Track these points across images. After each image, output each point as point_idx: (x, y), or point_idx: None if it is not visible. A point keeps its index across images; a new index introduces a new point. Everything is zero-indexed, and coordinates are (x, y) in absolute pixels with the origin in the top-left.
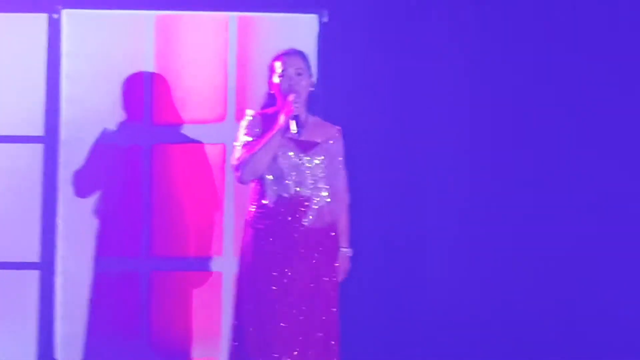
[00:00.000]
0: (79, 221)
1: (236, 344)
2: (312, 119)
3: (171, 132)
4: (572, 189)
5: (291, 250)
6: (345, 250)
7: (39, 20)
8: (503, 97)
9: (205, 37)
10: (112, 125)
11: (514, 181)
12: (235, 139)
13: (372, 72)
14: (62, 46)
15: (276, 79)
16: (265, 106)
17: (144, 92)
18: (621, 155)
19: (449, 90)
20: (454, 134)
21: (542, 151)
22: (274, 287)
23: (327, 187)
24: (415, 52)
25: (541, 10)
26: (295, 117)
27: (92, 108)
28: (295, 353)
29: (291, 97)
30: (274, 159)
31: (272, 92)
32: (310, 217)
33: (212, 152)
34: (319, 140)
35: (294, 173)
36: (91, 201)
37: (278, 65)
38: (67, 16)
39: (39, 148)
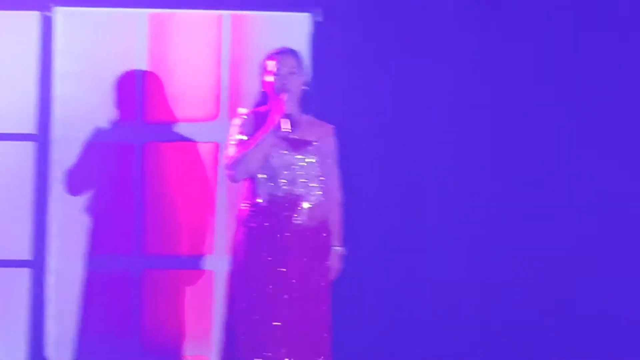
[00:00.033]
0: (70, 219)
1: (228, 342)
2: (305, 118)
3: (163, 130)
4: (572, 189)
5: (283, 249)
6: (338, 249)
7: (31, 18)
8: (501, 96)
9: (198, 35)
10: (104, 124)
11: (514, 181)
12: (227, 138)
13: (366, 71)
14: (54, 44)
15: (269, 78)
16: (258, 105)
17: (136, 90)
18: (621, 155)
19: (444, 88)
20: (450, 133)
21: (542, 151)
22: (266, 286)
23: (320, 185)
24: (410, 51)
25: (540, 10)
26: (288, 116)
27: (85, 106)
28: (287, 352)
29: (284, 96)
30: (267, 157)
31: (265, 91)
32: (303, 215)
33: (204, 150)
34: (311, 139)
35: (286, 172)
36: (83, 199)
37: (271, 64)
38: (60, 14)
39: (30, 146)
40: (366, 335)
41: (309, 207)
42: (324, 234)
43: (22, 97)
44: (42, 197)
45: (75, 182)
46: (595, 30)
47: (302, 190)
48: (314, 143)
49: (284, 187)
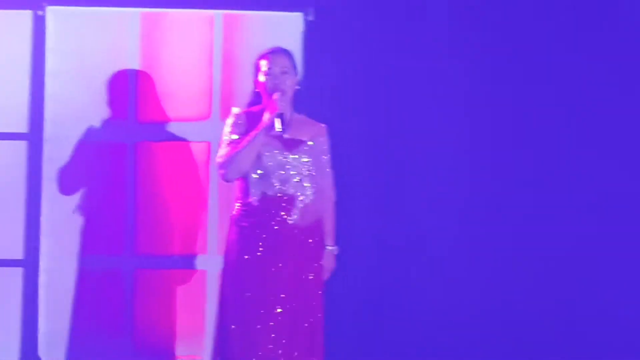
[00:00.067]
0: (62, 218)
1: (220, 342)
2: (298, 117)
3: (156, 129)
4: (572, 189)
5: (276, 249)
6: (331, 249)
7: (23, 17)
8: (498, 95)
9: (190, 34)
10: (96, 123)
11: (513, 180)
12: (220, 137)
13: (358, 70)
14: (46, 43)
15: (262, 78)
16: (250, 104)
17: (128, 89)
18: (621, 155)
19: (438, 87)
20: (444, 131)
21: (542, 151)
22: (259, 286)
23: (313, 185)
24: (403, 50)
25: (540, 10)
26: (280, 115)
27: (77, 105)
28: (280, 352)
29: (276, 96)
30: (259, 157)
31: (257, 90)
32: (295, 215)
33: (196, 150)
34: (304, 138)
35: (279, 171)
36: (75, 198)
37: (263, 64)
38: (52, 13)
39: (22, 145)
40: (359, 335)
41: (302, 207)
42: (317, 234)
43: (14, 96)
44: (34, 196)
45: (67, 181)
46: (596, 30)
47: (294, 189)
48: (307, 142)
49: (277, 186)
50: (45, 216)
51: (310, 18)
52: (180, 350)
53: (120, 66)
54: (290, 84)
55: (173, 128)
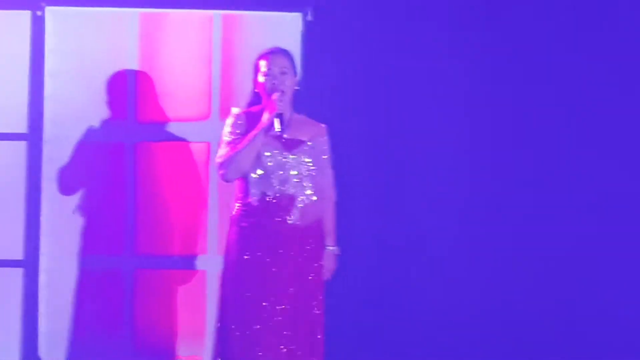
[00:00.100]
0: (62, 219)
1: (220, 342)
2: (298, 117)
3: (155, 130)
4: (572, 189)
5: (276, 249)
6: (332, 249)
7: (22, 18)
8: (498, 95)
9: (189, 35)
10: (96, 123)
11: (513, 180)
12: (219, 137)
13: (357, 70)
14: (45, 43)
15: (261, 78)
16: (250, 104)
17: (128, 89)
18: (621, 155)
19: (438, 87)
20: (444, 131)
21: (542, 151)
22: (259, 286)
23: (312, 185)
24: (402, 50)
25: (540, 10)
26: (279, 116)
27: (76, 105)
28: (280, 352)
29: (275, 96)
30: (259, 157)
31: (257, 90)
32: (295, 215)
33: (196, 150)
34: (304, 139)
35: (278, 171)
36: (75, 199)
37: (263, 64)
38: (51, 13)
39: (22, 145)
40: (360, 335)
41: (302, 207)
42: (317, 234)
43: (13, 96)
44: (34, 196)
45: (67, 182)
46: (595, 30)
47: (294, 189)
48: (307, 142)
49: (277, 186)
50: (45, 216)
51: (310, 18)
52: (180, 350)
53: (120, 66)
54: (290, 84)
55: (172, 128)
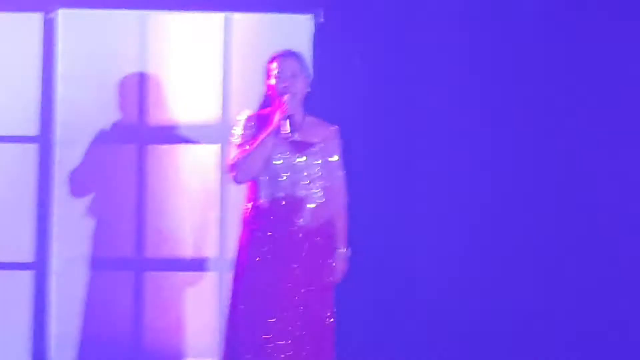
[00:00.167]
0: (73, 221)
1: (230, 344)
2: (309, 119)
3: (166, 132)
4: (572, 189)
5: (286, 251)
6: (342, 251)
7: (34, 20)
8: (509, 97)
9: (200, 37)
10: (106, 126)
11: (523, 182)
12: (230, 140)
13: (368, 72)
14: (57, 46)
15: (272, 80)
16: (261, 107)
17: (138, 92)
18: (621, 155)
19: (449, 89)
20: (456, 134)
21: (542, 151)
22: (269, 287)
23: (323, 187)
24: (412, 52)
25: (540, 10)
26: (290, 118)
27: (87, 108)
28: (290, 354)
29: (286, 98)
30: (269, 159)
31: (268, 93)
32: (305, 217)
33: (207, 152)
34: (314, 140)
35: (289, 173)
36: (85, 201)
37: (273, 67)
38: (62, 16)
39: (33, 148)
40: (370, 337)
41: (312, 209)
42: (328, 236)
43: (24, 99)
44: (44, 199)
45: (78, 184)
46: (595, 30)
47: (304, 192)
48: (318, 145)
49: (287, 188)
50: (55, 219)
51: (321, 20)
52: (190, 353)
53: (130, 69)
54: (300, 86)
55: (183, 131)
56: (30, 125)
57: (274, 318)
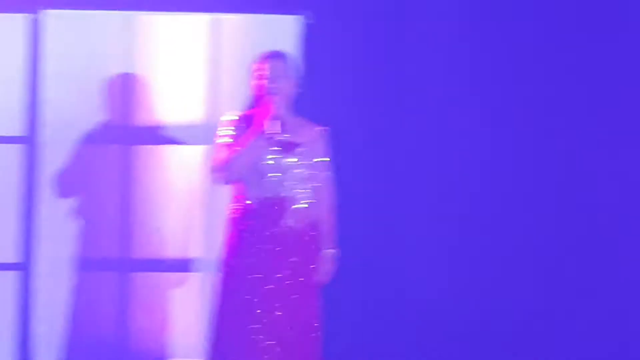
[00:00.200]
0: (59, 222)
1: (215, 345)
2: (296, 120)
3: (151, 133)
4: (572, 189)
5: (273, 251)
6: (330, 252)
7: (19, 21)
8: (499, 95)
9: (187, 38)
10: (92, 126)
11: (518, 182)
12: (215, 141)
13: (356, 73)
14: (42, 46)
15: (260, 81)
16: (248, 108)
17: (124, 93)
18: (621, 155)
19: (437, 89)
20: (445, 133)
21: (542, 151)
22: (255, 289)
23: (310, 187)
24: (402, 53)
25: (540, 10)
26: (278, 119)
27: (73, 108)
28: (275, 355)
29: (273, 99)
30: (256, 159)
31: (254, 93)
32: (292, 218)
33: (193, 153)
34: (301, 141)
35: (276, 174)
36: (71, 202)
37: (261, 67)
38: (48, 17)
39: (19, 148)
40: (357, 338)
41: (299, 209)
42: (314, 237)
43: (10, 100)
44: (30, 199)
45: (64, 185)
46: (596, 30)
47: (291, 192)
48: (305, 145)
49: (275, 189)
50: (41, 220)
51: (309, 21)
52: (175, 353)
53: (116, 70)
54: (287, 87)
55: (168, 131)
56: (17, 125)
57: (260, 319)
